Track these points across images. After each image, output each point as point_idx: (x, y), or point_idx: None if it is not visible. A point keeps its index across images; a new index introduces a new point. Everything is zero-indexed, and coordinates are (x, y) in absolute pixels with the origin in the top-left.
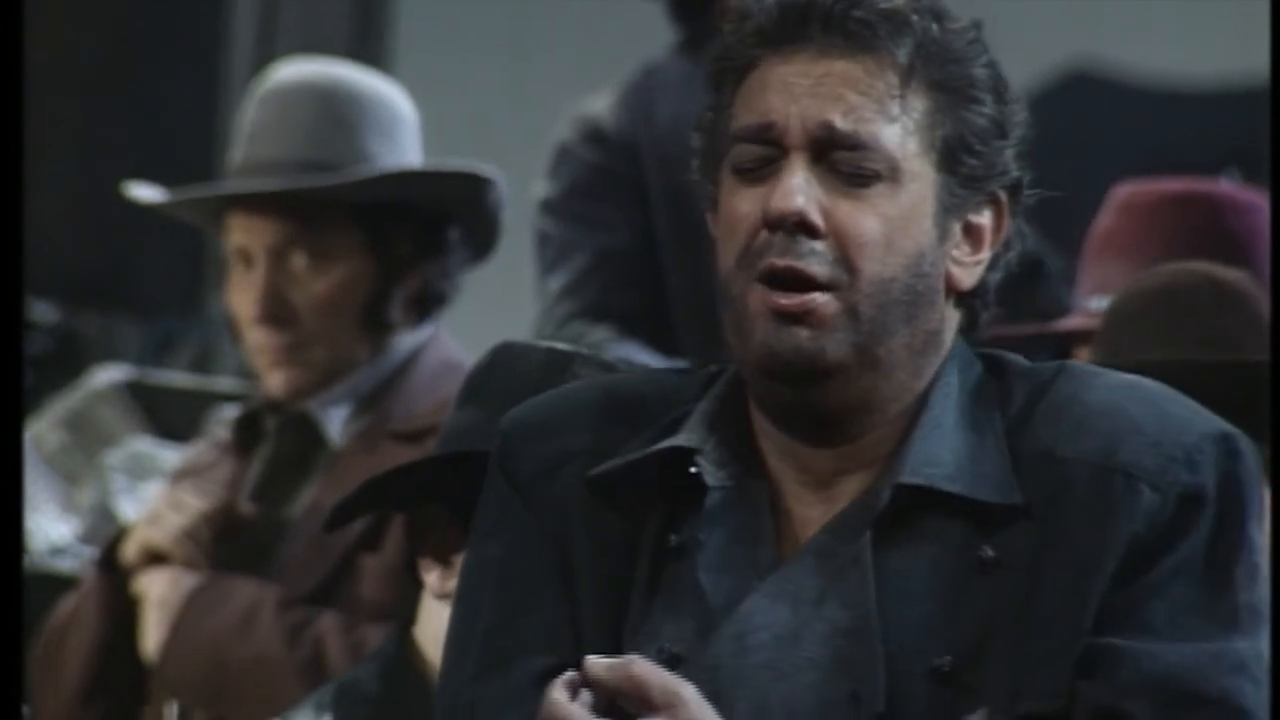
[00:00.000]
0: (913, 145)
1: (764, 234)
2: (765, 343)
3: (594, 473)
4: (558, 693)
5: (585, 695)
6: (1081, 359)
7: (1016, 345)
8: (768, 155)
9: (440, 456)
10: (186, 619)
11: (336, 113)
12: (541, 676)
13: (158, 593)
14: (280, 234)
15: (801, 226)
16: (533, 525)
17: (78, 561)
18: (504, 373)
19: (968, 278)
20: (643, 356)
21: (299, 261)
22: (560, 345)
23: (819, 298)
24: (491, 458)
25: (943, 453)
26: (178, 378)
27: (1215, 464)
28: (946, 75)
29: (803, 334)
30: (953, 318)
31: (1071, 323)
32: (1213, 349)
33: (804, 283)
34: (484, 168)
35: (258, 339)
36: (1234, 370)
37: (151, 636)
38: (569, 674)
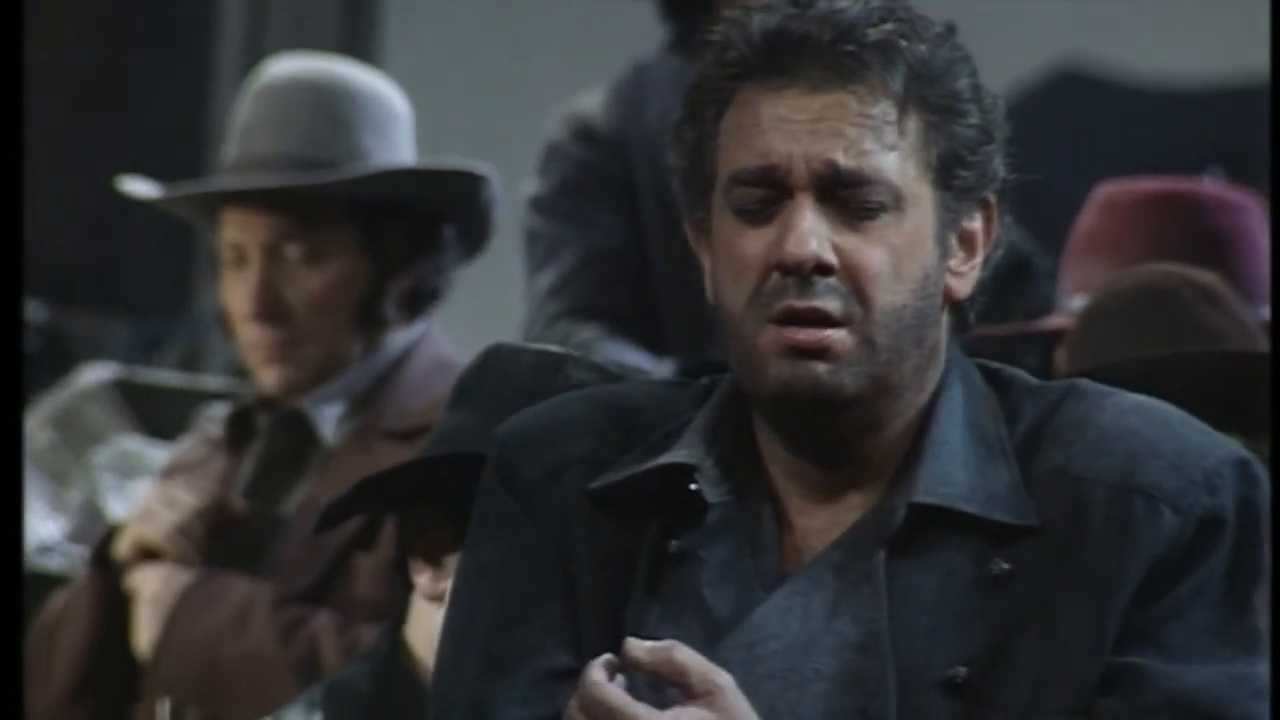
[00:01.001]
0: (911, 169)
1: (776, 276)
2: (781, 378)
3: (593, 486)
4: (596, 674)
5: (621, 678)
6: (1063, 358)
7: (1000, 344)
8: (770, 196)
9: (432, 458)
10: (179, 616)
11: (331, 109)
12: (544, 679)
13: (151, 590)
14: (275, 230)
15: (817, 269)
16: (533, 533)
17: (66, 560)
18: (495, 375)
19: (965, 286)
20: (631, 355)
21: (293, 258)
22: (552, 348)
23: (834, 334)
24: (488, 466)
25: (954, 470)
26: (166, 376)
27: (1234, 488)
28: (937, 95)
29: (820, 368)
30: (945, 325)
31: (1054, 322)
32: (1205, 346)
33: (822, 320)
34: (478, 165)
35: (251, 335)
36: (1239, 362)
37: (144, 634)
38: (607, 656)
